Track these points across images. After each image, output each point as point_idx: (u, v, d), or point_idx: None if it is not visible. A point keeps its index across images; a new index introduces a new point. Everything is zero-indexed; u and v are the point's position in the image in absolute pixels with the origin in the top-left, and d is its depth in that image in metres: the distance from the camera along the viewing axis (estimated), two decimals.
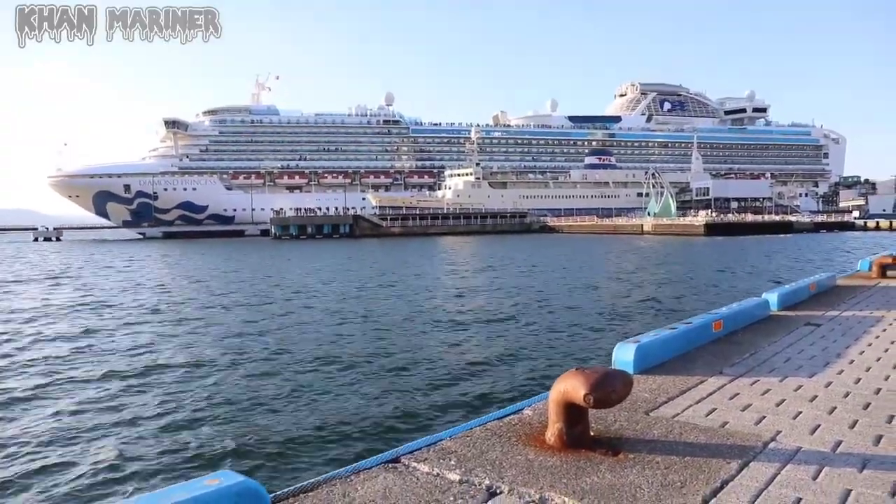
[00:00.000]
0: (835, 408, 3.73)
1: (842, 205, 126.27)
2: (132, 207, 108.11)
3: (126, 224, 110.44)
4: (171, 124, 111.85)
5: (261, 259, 44.92)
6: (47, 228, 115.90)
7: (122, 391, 9.83)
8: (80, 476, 6.62)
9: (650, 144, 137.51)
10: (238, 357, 12.12)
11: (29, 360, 12.17)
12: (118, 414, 8.69)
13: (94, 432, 7.95)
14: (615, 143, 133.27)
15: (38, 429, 8.09)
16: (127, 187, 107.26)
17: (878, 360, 4.96)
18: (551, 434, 3.10)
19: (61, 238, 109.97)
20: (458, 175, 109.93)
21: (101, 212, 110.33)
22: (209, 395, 9.44)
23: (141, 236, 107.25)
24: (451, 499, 2.55)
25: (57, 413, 8.74)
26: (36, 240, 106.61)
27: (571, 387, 2.92)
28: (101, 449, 7.36)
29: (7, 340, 14.36)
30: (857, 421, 3.48)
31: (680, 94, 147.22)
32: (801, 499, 2.51)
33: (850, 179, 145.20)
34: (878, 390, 4.10)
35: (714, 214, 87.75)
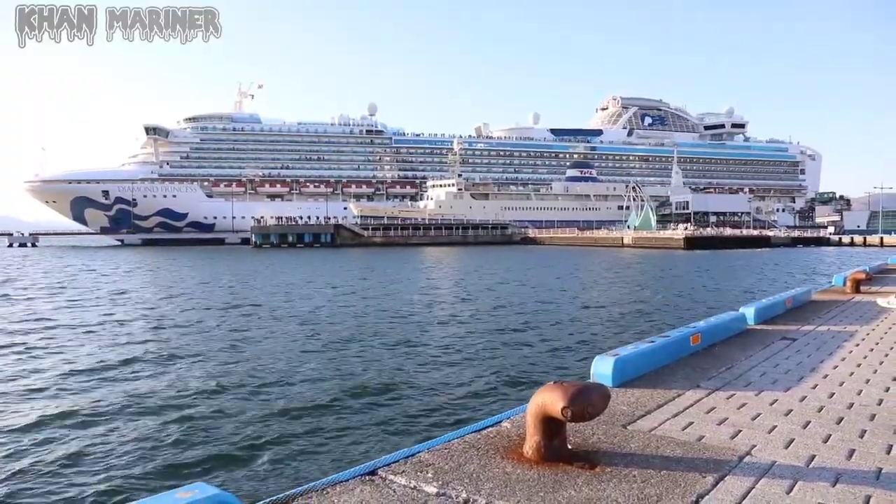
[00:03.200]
0: (809, 422, 3.77)
1: (817, 220, 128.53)
2: (111, 214, 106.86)
3: (104, 231, 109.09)
4: (152, 131, 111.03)
5: (242, 266, 44.58)
6: (23, 234, 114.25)
7: (90, 400, 9.66)
8: (43, 488, 6.49)
9: (631, 158, 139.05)
10: (213, 367, 11.99)
11: None
12: (84, 422, 8.54)
13: (58, 443, 7.79)
14: (596, 157, 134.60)
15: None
16: (105, 193, 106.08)
17: (851, 374, 5.03)
18: (529, 447, 3.10)
19: (37, 244, 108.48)
20: (441, 186, 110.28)
21: (79, 218, 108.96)
22: (182, 406, 9.31)
23: (119, 243, 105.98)
24: None
25: (17, 423, 8.58)
26: (11, 245, 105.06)
27: (549, 400, 2.92)
28: (68, 462, 7.21)
29: None
30: (831, 435, 3.52)
31: (661, 109, 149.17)
32: None
33: (825, 195, 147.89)
34: (851, 405, 4.16)
35: (693, 228, 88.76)
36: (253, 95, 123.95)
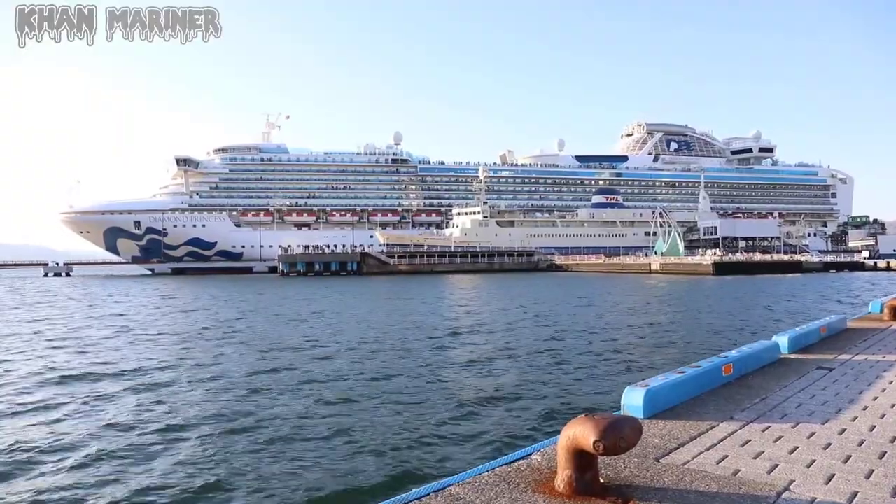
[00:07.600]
0: (849, 456, 3.66)
1: (851, 244, 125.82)
2: (142, 243, 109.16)
3: (135, 260, 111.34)
4: (183, 162, 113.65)
5: (273, 296, 45.02)
6: (57, 264, 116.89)
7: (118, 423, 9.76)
8: None
9: (657, 184, 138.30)
10: (240, 401, 12.05)
11: None
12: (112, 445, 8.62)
13: (88, 484, 7.87)
14: (622, 183, 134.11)
15: None
16: (137, 223, 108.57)
17: (893, 406, 4.88)
18: (561, 481, 3.06)
19: (71, 273, 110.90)
20: (466, 213, 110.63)
21: (112, 248, 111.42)
22: (208, 444, 9.35)
23: (150, 272, 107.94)
24: None
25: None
26: (46, 275, 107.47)
27: (581, 433, 2.89)
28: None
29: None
30: (874, 471, 3.41)
31: (686, 134, 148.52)
32: None
33: (858, 219, 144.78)
34: (894, 439, 4.03)
35: (722, 253, 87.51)
36: (280, 126, 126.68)
